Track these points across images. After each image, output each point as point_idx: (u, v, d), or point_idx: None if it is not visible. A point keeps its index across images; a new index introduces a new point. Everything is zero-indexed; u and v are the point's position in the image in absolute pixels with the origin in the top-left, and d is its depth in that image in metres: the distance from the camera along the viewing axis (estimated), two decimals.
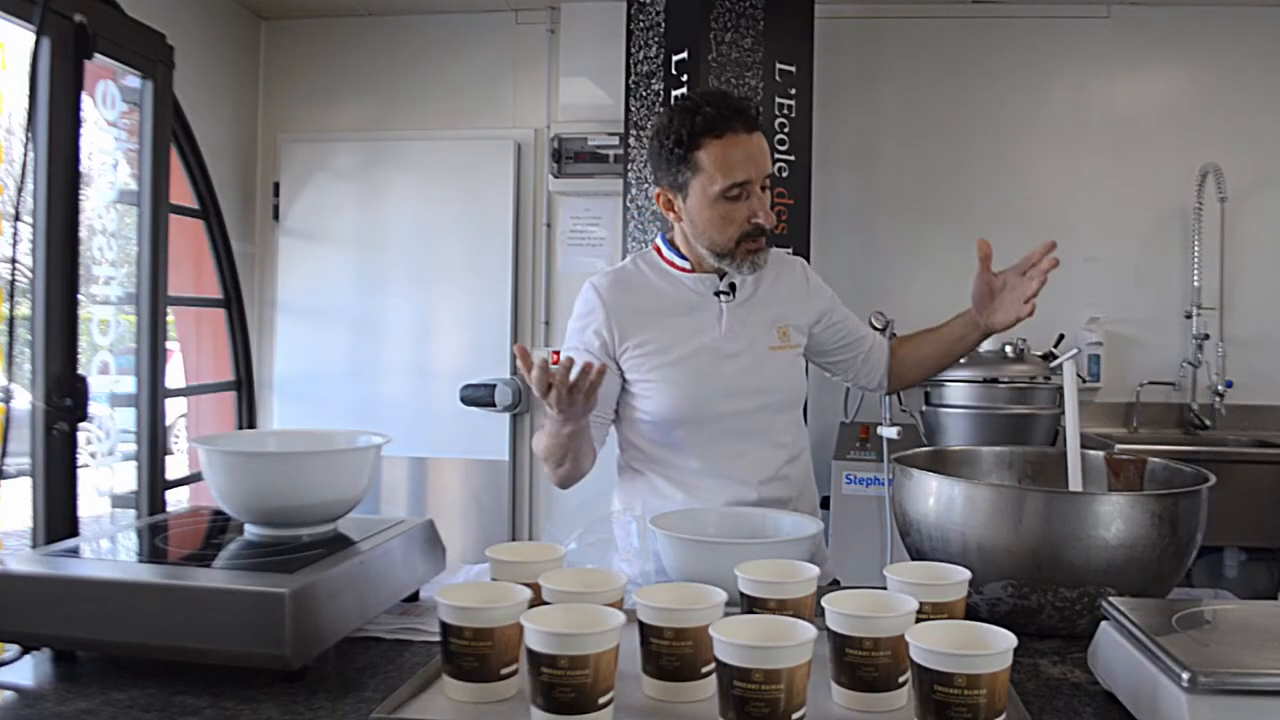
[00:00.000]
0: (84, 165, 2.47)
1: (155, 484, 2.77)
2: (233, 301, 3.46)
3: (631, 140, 3.25)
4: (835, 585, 1.75)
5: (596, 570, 1.20)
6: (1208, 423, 3.44)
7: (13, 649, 1.15)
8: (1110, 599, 1.08)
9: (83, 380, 2.44)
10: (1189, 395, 3.49)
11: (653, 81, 3.20)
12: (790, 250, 3.16)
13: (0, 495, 1.99)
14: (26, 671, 1.12)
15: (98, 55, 2.45)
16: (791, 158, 3.16)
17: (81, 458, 2.49)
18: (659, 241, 1.76)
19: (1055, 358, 3.23)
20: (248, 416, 3.53)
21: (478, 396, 3.67)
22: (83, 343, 2.48)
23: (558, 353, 1.52)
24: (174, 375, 3.25)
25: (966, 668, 0.88)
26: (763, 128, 1.65)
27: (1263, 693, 0.86)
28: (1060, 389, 3.15)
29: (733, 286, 1.70)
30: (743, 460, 1.69)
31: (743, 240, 1.62)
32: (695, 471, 1.69)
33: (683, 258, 1.71)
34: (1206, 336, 3.44)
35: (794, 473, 1.75)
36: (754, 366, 1.69)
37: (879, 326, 3.25)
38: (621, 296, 1.69)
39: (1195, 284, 3.48)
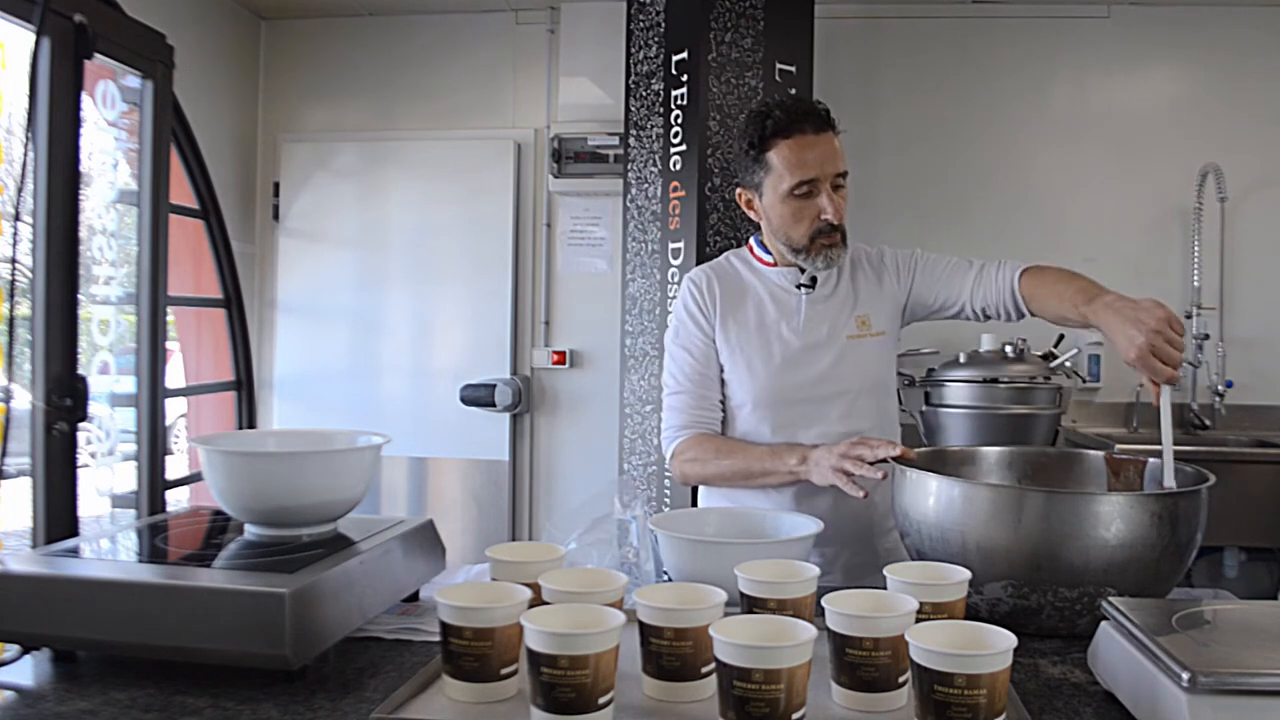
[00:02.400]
0: (84, 165, 2.47)
1: (155, 484, 2.77)
2: (233, 301, 3.46)
3: (631, 140, 3.25)
4: None
5: (596, 570, 1.20)
6: (1208, 423, 3.44)
7: (13, 649, 1.15)
8: (1110, 599, 1.08)
9: (83, 380, 2.44)
10: (1189, 395, 3.49)
11: (653, 81, 3.20)
12: None
13: (0, 495, 1.99)
14: (26, 671, 1.12)
15: (98, 55, 2.45)
16: None
17: (81, 458, 2.49)
18: (751, 240, 1.87)
19: (1055, 358, 3.23)
20: (248, 416, 3.53)
21: (478, 396, 3.67)
22: (83, 343, 2.48)
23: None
24: (174, 375, 3.25)
25: (966, 668, 0.88)
26: (835, 127, 1.71)
27: (1263, 693, 0.86)
28: (1060, 389, 3.15)
29: (814, 280, 1.78)
30: (822, 446, 1.70)
31: (816, 236, 1.71)
32: None
33: (768, 253, 1.82)
34: (1206, 336, 3.44)
35: None
36: (831, 356, 1.76)
37: None
38: (716, 285, 1.82)
39: (1195, 284, 3.48)
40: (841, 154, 1.70)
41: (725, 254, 1.91)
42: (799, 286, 1.79)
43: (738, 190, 1.80)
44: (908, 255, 1.85)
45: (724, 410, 1.83)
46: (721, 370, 1.81)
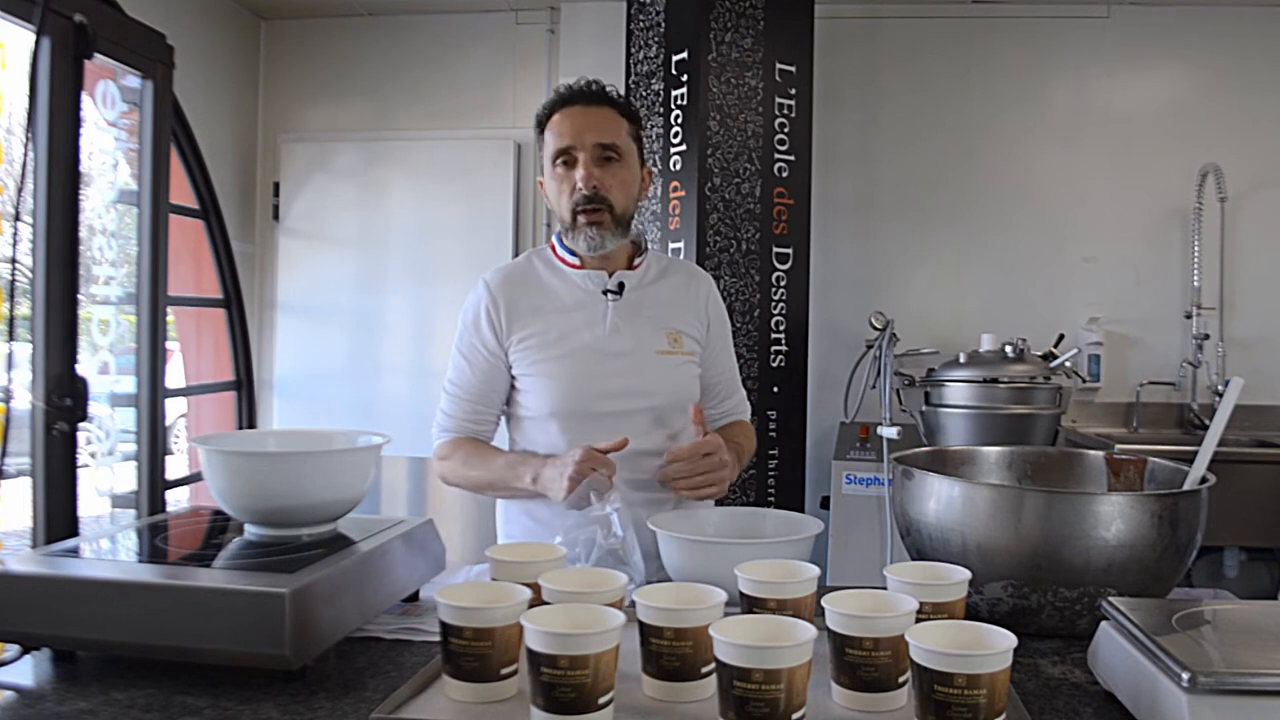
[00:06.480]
0: (84, 165, 2.47)
1: (155, 484, 2.77)
2: (233, 301, 3.46)
3: None
4: None
5: (596, 570, 1.20)
6: (1208, 422, 3.43)
7: (13, 649, 1.15)
8: (1110, 599, 1.08)
9: (83, 380, 2.44)
10: (1189, 395, 3.50)
11: (653, 81, 3.20)
12: (790, 250, 3.16)
13: (0, 495, 1.99)
14: (26, 671, 1.12)
15: (98, 55, 2.45)
16: (791, 158, 3.16)
17: (81, 458, 2.49)
18: (554, 239, 1.77)
19: (1055, 358, 3.23)
20: (248, 416, 3.53)
21: None
22: (83, 343, 2.48)
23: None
24: (174, 375, 3.25)
25: (966, 668, 0.88)
26: (620, 104, 1.70)
27: (1263, 693, 0.86)
28: (1060, 389, 3.15)
29: (621, 286, 1.70)
30: (621, 462, 1.59)
31: (577, 211, 1.64)
32: None
33: (572, 254, 1.72)
34: (1206, 336, 3.45)
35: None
36: (638, 368, 1.67)
37: (879, 326, 3.26)
38: (511, 291, 1.71)
39: (1195, 284, 3.48)
40: (615, 128, 1.66)
41: (527, 253, 1.81)
42: (606, 292, 1.69)
43: (538, 179, 1.75)
44: (721, 330, 1.80)
45: (503, 420, 1.74)
46: (514, 380, 1.69)
